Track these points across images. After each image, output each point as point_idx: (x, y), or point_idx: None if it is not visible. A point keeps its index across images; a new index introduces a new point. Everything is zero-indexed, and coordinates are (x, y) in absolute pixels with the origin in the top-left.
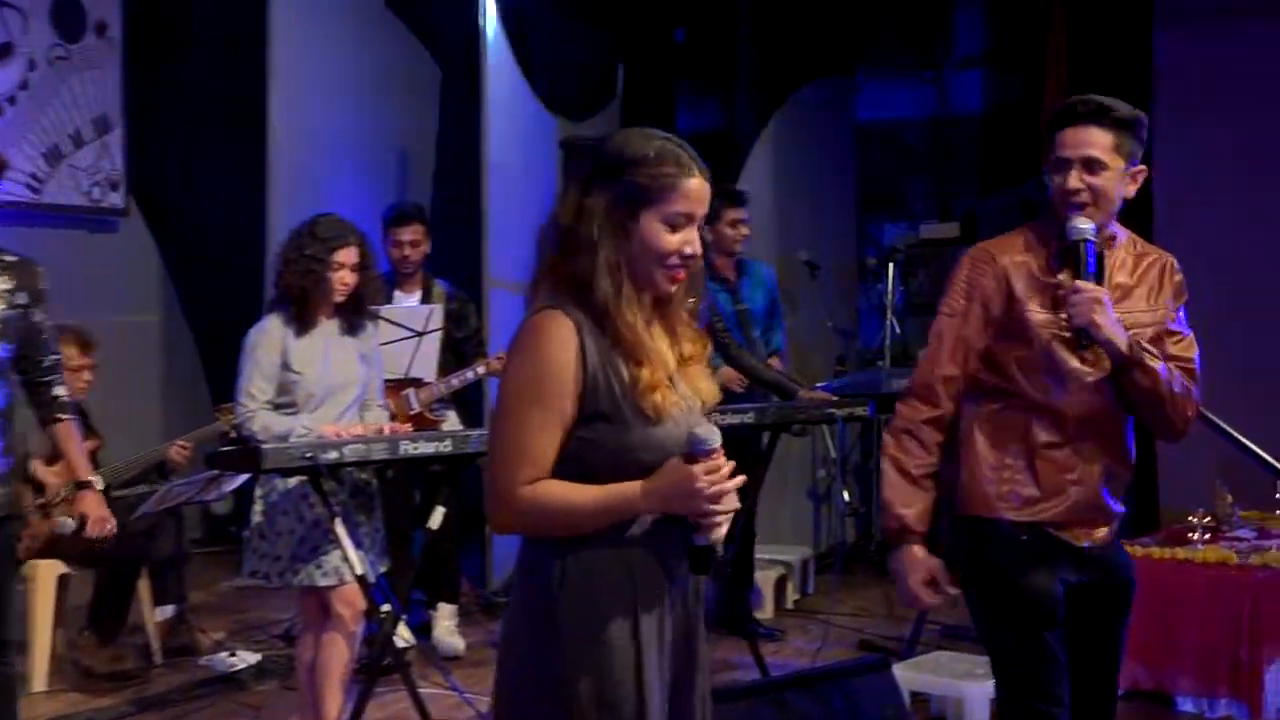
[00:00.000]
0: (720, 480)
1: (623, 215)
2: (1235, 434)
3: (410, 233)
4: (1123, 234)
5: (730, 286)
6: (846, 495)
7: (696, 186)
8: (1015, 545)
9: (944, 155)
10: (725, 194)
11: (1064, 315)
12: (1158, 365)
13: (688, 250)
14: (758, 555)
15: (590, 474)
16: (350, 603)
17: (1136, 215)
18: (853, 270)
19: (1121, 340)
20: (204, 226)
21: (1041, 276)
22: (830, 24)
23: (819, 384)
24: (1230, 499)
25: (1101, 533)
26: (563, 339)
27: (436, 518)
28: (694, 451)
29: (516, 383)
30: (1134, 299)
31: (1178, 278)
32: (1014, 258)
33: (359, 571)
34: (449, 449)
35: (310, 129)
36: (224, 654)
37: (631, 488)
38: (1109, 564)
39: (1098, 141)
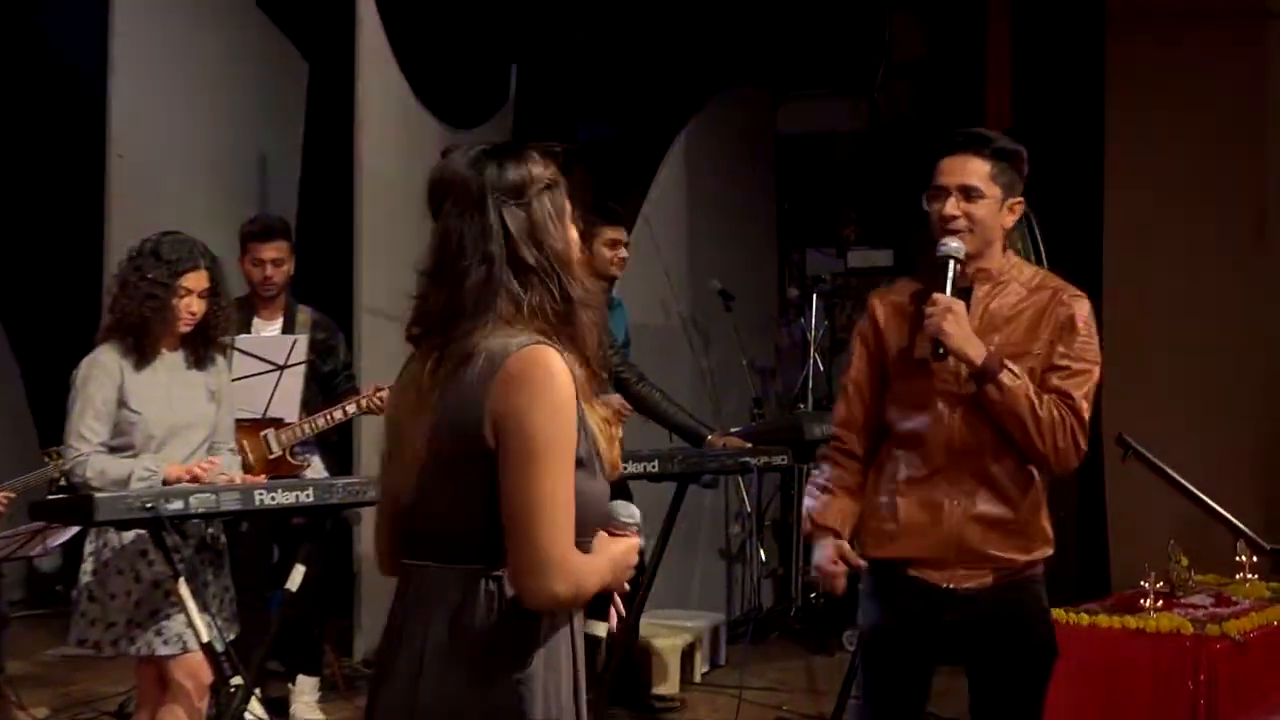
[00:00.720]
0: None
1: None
2: (1193, 489)
3: (273, 250)
4: (1027, 271)
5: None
6: (764, 554)
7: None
8: (870, 581)
9: (876, 175)
10: (603, 211)
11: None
12: (1017, 383)
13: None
14: (664, 622)
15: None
16: (194, 674)
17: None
18: (773, 302)
19: (975, 352)
20: (33, 245)
21: (909, 307)
22: (749, 27)
23: (733, 429)
24: (1186, 561)
25: (974, 581)
26: (567, 376)
27: (296, 578)
28: (620, 525)
29: (545, 429)
30: (1012, 329)
31: (1068, 311)
32: (890, 297)
33: (205, 639)
34: (311, 499)
35: (155, 134)
36: None
37: (603, 563)
38: (1000, 613)
39: (975, 170)
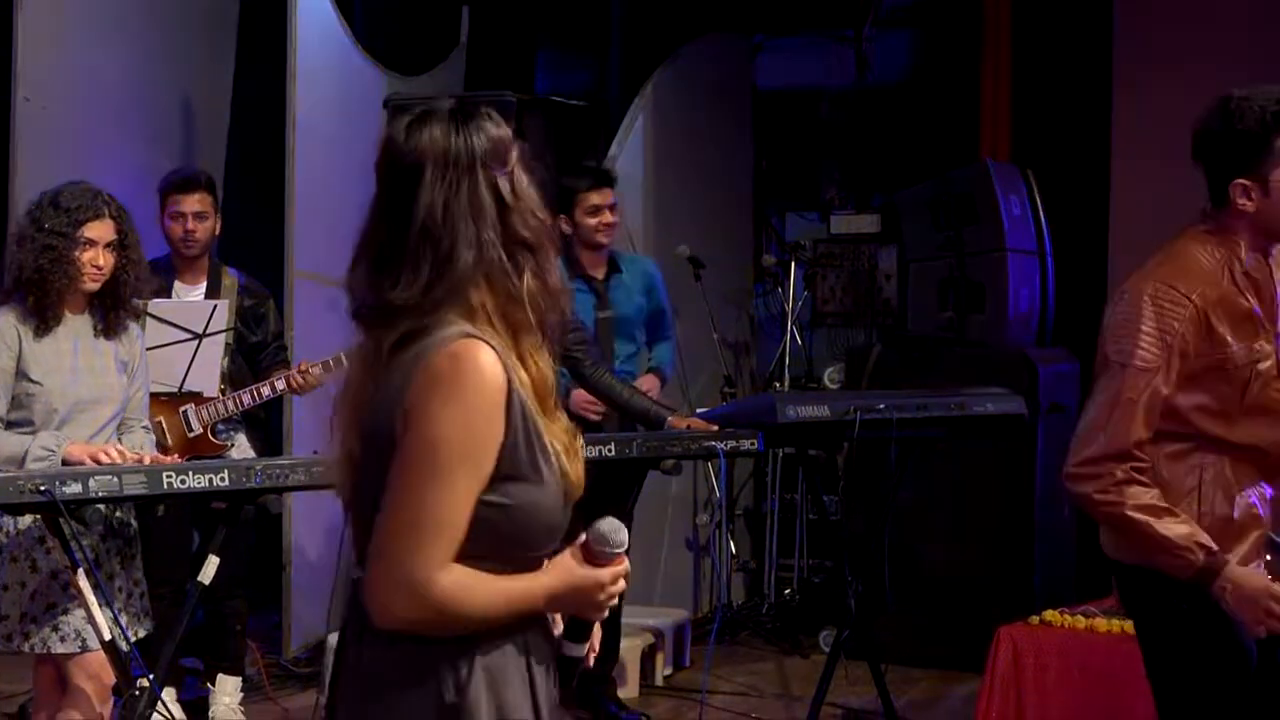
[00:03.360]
0: (619, 588)
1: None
2: None
3: (194, 202)
4: None
5: (596, 287)
6: (734, 547)
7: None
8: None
9: (862, 133)
10: (585, 173)
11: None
12: None
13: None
14: (624, 620)
15: (491, 549)
16: (94, 675)
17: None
18: (748, 270)
19: None
20: None
21: (1236, 300)
22: None
23: (700, 410)
24: None
25: None
26: (494, 377)
27: (208, 570)
28: (601, 551)
29: (443, 435)
30: None
31: None
32: (1207, 290)
33: (106, 637)
34: (226, 483)
35: (68, 78)
36: None
37: (533, 588)
38: None
39: None
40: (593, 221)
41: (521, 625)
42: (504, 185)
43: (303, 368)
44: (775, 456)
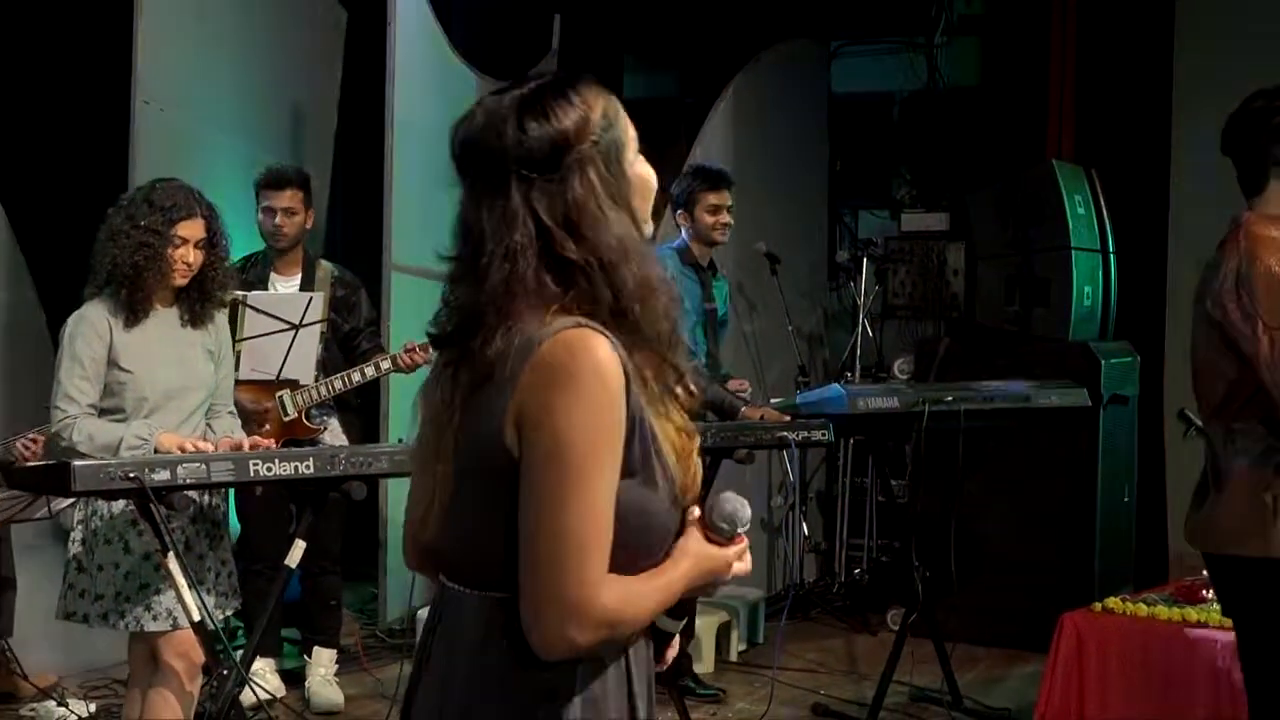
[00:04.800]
0: (745, 567)
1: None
2: None
3: (285, 199)
4: None
5: (704, 278)
6: (806, 529)
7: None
8: None
9: (932, 135)
10: (703, 175)
11: None
12: None
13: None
14: (700, 599)
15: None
16: (184, 653)
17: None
18: (822, 266)
19: None
20: (61, 194)
21: None
22: None
23: (774, 400)
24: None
25: None
26: (614, 367)
27: (295, 554)
28: (721, 529)
29: (582, 434)
30: None
31: None
32: None
33: (195, 616)
34: (311, 470)
35: (183, 83)
36: (50, 702)
37: (674, 579)
38: None
39: None
40: (711, 220)
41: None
42: (544, 193)
43: (409, 346)
44: (846, 443)
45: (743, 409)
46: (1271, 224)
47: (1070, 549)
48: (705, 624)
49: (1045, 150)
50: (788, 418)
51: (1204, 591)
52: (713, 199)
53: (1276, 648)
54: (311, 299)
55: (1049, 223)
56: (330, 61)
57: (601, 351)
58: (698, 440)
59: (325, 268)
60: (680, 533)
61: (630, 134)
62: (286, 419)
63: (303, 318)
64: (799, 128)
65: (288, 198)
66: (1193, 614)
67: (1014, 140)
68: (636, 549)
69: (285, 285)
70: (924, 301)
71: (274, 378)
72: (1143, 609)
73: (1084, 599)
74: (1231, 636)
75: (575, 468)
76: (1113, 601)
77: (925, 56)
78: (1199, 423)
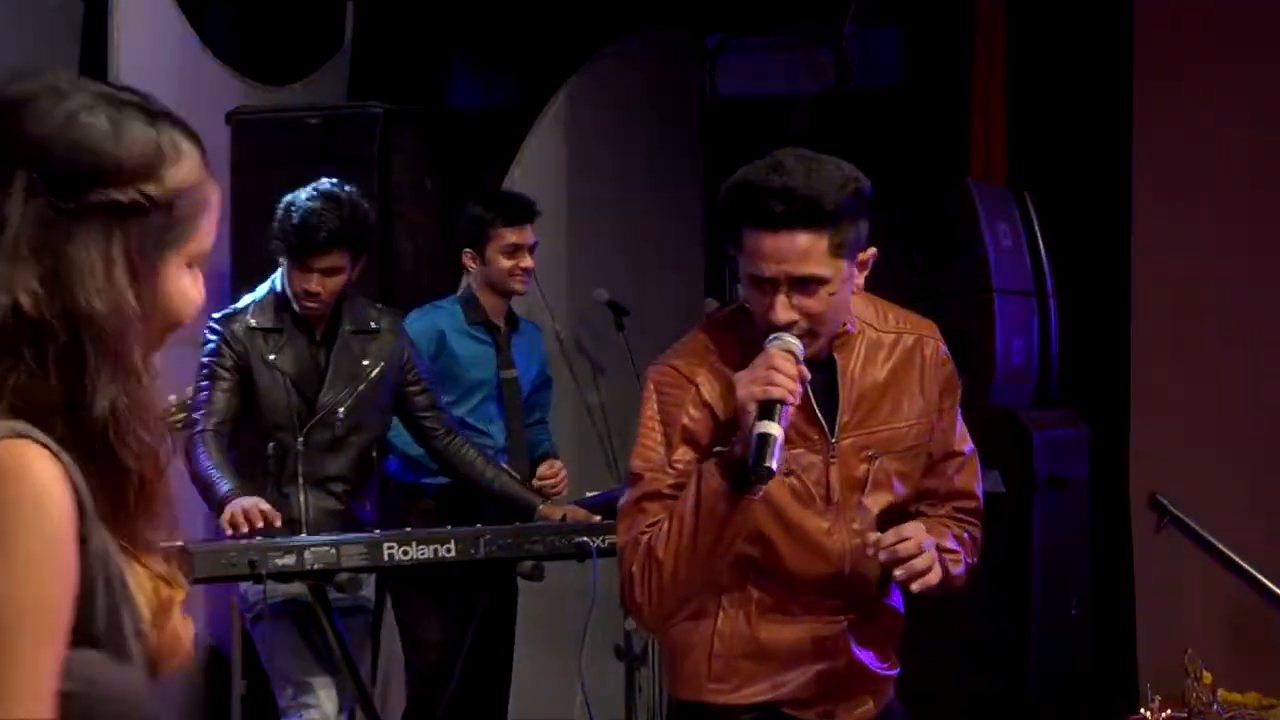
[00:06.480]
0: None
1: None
2: (1249, 568)
3: None
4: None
5: (499, 339)
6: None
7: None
8: None
9: (842, 147)
10: (499, 205)
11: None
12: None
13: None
14: None
15: None
16: None
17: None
18: (697, 313)
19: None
20: None
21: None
22: None
23: (590, 494)
24: (1209, 677)
25: None
26: (62, 498)
27: None
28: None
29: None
30: (884, 408)
31: (947, 368)
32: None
33: None
34: None
35: None
36: None
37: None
38: None
39: (811, 251)
40: (508, 264)
41: None
42: (38, 212)
43: None
44: None
45: (541, 506)
46: None
47: (1001, 679)
48: None
49: (970, 166)
50: (597, 517)
51: None
52: (511, 237)
53: None
54: None
55: (965, 259)
56: (65, 55)
57: (39, 474)
58: (182, 593)
59: None
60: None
61: (206, 233)
62: None
63: None
64: (663, 141)
65: None
66: None
67: (939, 154)
68: None
69: None
70: None
71: None
72: None
73: None
74: None
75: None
76: None
77: (832, 51)
78: (1177, 511)
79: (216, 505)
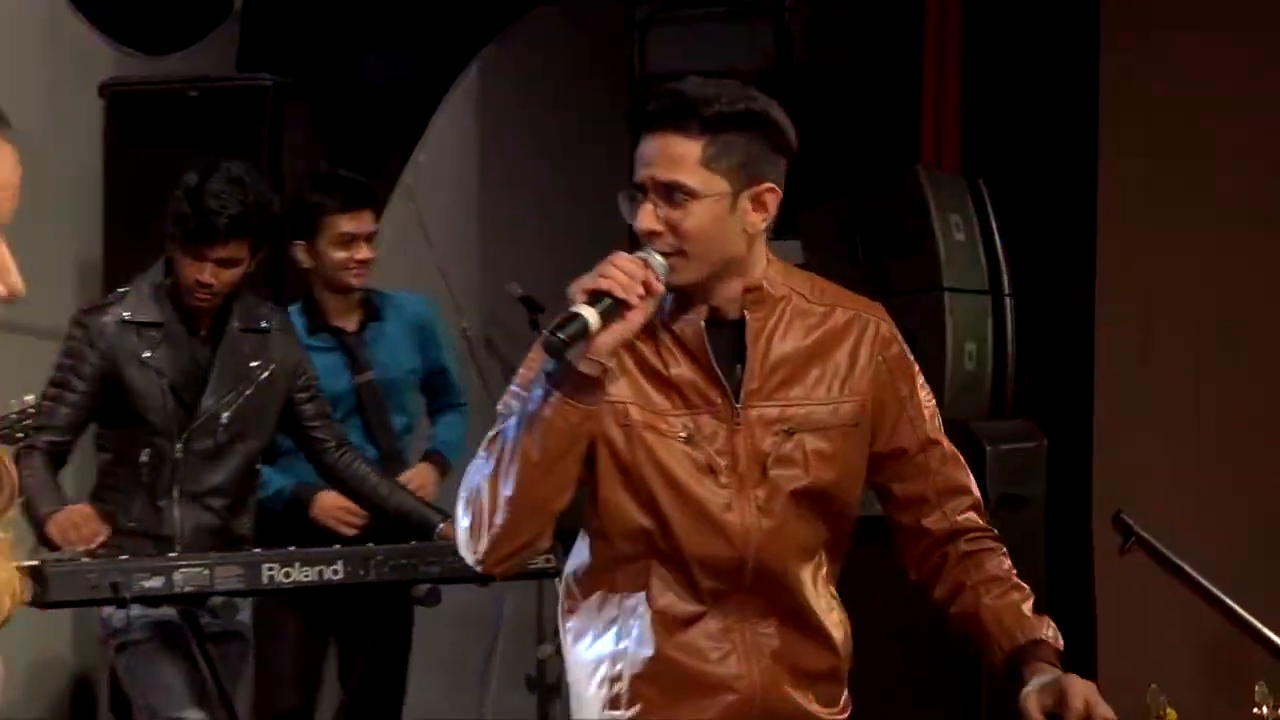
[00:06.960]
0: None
1: None
2: (1220, 594)
3: None
4: (780, 282)
5: (348, 342)
6: None
7: None
8: None
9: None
10: (337, 187)
11: None
12: None
13: None
14: None
15: None
16: None
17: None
18: None
19: None
20: None
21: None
22: None
23: None
24: (1174, 715)
25: None
26: None
27: None
28: None
29: None
30: (804, 381)
31: (894, 349)
32: None
33: None
34: None
35: None
36: None
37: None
38: None
39: (680, 157)
40: (340, 255)
41: None
42: None
43: None
44: None
45: (442, 525)
46: None
47: (953, 714)
48: None
49: (921, 152)
50: None
51: None
52: (345, 225)
53: None
54: None
55: (913, 254)
56: None
57: None
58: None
59: None
60: None
61: None
62: None
63: None
64: (585, 121)
65: None
66: None
67: (886, 138)
68: None
69: None
70: None
71: None
72: None
73: None
74: None
75: None
76: None
77: (773, 25)
78: (1143, 533)
79: (38, 525)
